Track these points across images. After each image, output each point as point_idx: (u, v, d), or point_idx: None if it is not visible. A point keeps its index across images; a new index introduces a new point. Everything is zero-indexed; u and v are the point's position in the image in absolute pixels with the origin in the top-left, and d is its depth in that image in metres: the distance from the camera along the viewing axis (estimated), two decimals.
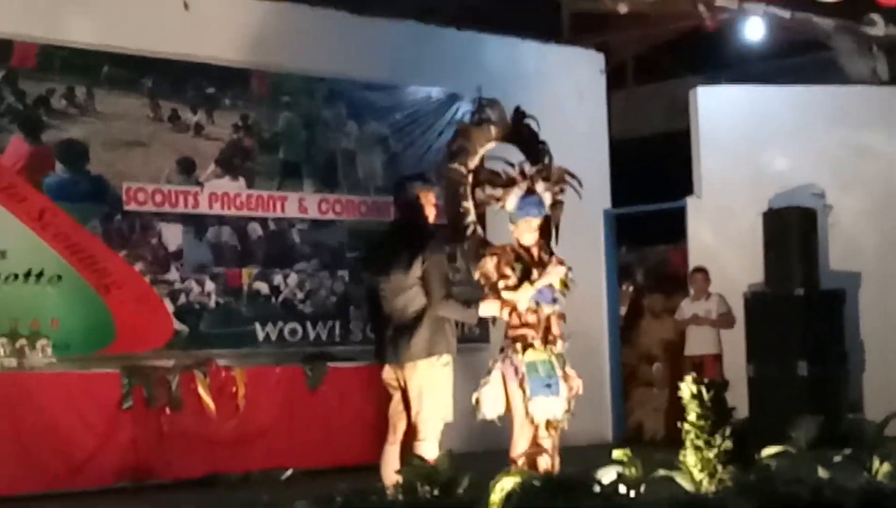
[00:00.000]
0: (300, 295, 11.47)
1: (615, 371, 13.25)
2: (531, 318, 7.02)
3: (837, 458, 6.38)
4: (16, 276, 9.97)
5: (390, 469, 6.71)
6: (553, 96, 12.87)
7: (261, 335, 11.22)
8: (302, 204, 11.56)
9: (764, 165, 12.06)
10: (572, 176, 7.44)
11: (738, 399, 11.27)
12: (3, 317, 9.72)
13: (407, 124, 12.23)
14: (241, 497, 4.75)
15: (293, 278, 11.42)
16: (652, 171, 13.02)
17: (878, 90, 12.47)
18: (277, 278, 11.37)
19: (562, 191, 7.40)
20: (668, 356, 12.84)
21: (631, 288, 14.18)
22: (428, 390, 6.96)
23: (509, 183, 7.19)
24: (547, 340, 7.04)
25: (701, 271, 12.02)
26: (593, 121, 13.27)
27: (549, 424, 6.94)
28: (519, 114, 7.58)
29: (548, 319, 7.07)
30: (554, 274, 7.09)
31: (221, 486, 9.70)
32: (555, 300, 7.12)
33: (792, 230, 11.37)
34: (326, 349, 11.39)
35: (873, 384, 11.56)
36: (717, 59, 13.70)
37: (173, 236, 10.84)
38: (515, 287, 7.04)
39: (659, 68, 14.47)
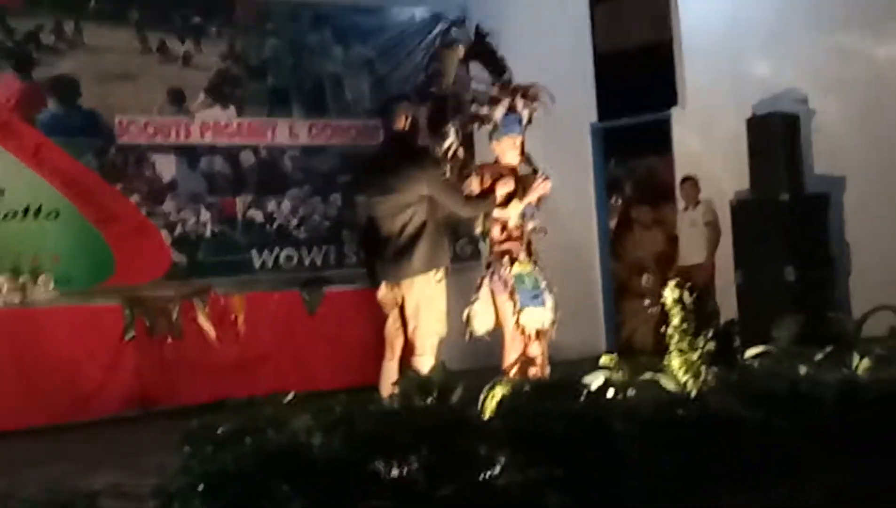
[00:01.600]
0: (294, 221, 11.67)
1: (606, 284, 13.42)
2: (516, 232, 7.20)
3: (819, 356, 6.61)
4: (14, 213, 10.17)
5: (388, 384, 6.93)
6: (536, 12, 12.96)
7: (257, 263, 11.44)
8: (292, 130, 11.73)
9: (747, 72, 12.10)
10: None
11: (728, 306, 11.55)
12: (4, 254, 9.92)
13: (392, 46, 12.35)
14: (247, 417, 4.91)
15: (286, 205, 11.62)
16: (637, 82, 13.06)
17: None
18: (271, 205, 11.57)
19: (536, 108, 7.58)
20: (659, 266, 13.00)
21: (620, 201, 14.32)
22: (425, 305, 7.16)
23: (493, 101, 7.34)
24: (529, 252, 7.22)
25: (689, 179, 12.12)
26: (577, 34, 13.30)
27: (538, 333, 7.14)
28: (479, 32, 7.79)
29: (528, 233, 7.26)
30: (539, 189, 7.26)
31: (227, 410, 9.89)
32: (533, 216, 7.29)
33: (775, 136, 11.44)
34: (322, 273, 11.60)
35: (859, 285, 11.69)
36: None
37: (167, 167, 11.02)
38: (504, 204, 7.23)
39: None
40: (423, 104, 7.49)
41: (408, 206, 7.11)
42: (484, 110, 7.37)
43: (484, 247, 8.26)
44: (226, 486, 4.00)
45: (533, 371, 7.17)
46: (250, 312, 10.55)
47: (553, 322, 7.31)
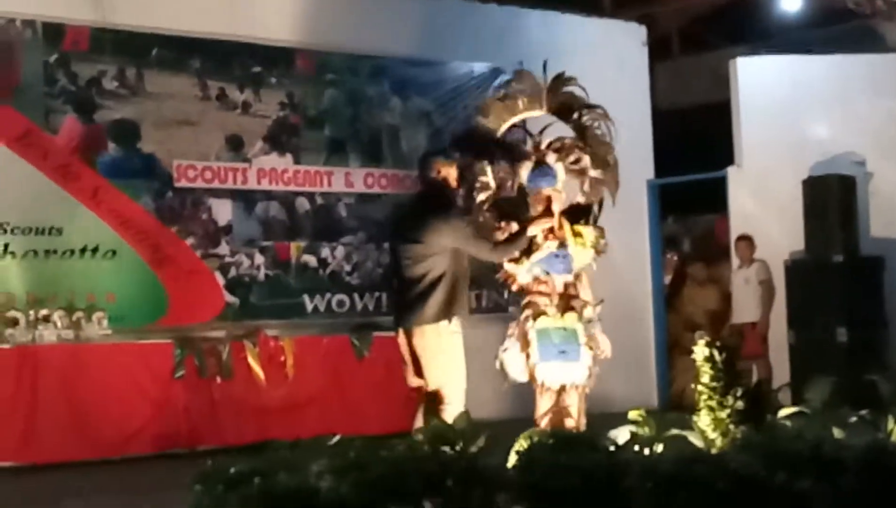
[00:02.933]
0: (347, 267, 11.79)
1: (660, 339, 13.42)
2: (542, 287, 7.22)
3: (853, 419, 6.57)
4: (72, 252, 10.35)
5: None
6: (594, 69, 12.94)
7: (309, 307, 11.55)
8: (348, 179, 11.87)
9: (804, 133, 12.12)
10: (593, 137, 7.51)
11: (780, 366, 11.50)
12: (60, 291, 10.13)
13: (450, 99, 12.47)
14: (262, 459, 4.99)
15: (340, 251, 11.73)
16: (695, 141, 13.13)
17: None
18: (325, 251, 11.69)
19: (590, 164, 7.51)
20: (712, 323, 12.96)
21: (675, 257, 14.33)
22: (432, 354, 7.28)
23: (520, 158, 7.39)
24: (568, 306, 7.20)
25: (745, 238, 12.12)
26: (635, 93, 13.40)
27: (564, 388, 7.14)
28: (559, 80, 7.60)
29: (568, 286, 7.25)
30: (545, 247, 7.24)
31: (270, 451, 9.99)
32: (567, 272, 7.25)
33: (832, 197, 11.46)
34: (373, 319, 11.68)
35: None
36: (758, 29, 13.78)
37: (223, 211, 11.19)
38: (517, 261, 7.28)
39: (701, 40, 14.58)
40: (459, 157, 7.56)
41: (429, 256, 7.25)
42: (504, 169, 7.40)
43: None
44: None
45: (568, 424, 7.17)
46: (300, 355, 10.66)
47: (589, 376, 7.25)
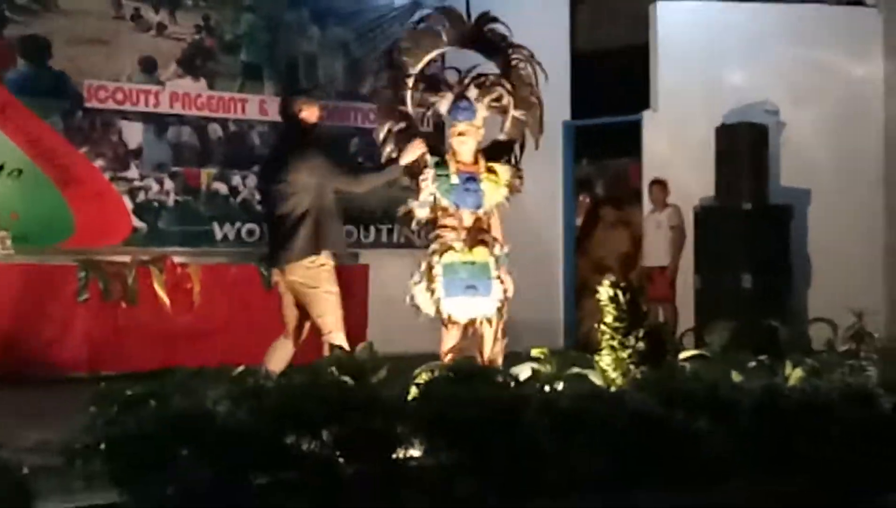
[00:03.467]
0: (258, 196, 11.66)
1: (568, 280, 13.48)
2: (450, 221, 7.18)
3: (752, 364, 6.68)
4: None
5: (275, 358, 7.53)
6: (515, 6, 12.92)
7: (219, 235, 11.46)
8: (262, 106, 11.73)
9: (720, 80, 12.16)
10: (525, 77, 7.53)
11: (686, 310, 11.63)
12: None
13: (369, 30, 12.37)
14: (175, 383, 4.94)
15: (251, 180, 11.60)
16: (613, 84, 13.11)
17: (834, 9, 12.53)
18: (236, 179, 11.58)
19: (512, 102, 7.46)
20: (622, 266, 13.05)
21: (588, 199, 14.36)
22: (306, 288, 7.45)
23: (440, 90, 7.34)
24: (477, 241, 7.14)
25: (659, 183, 12.16)
26: (555, 32, 13.33)
27: (473, 323, 7.12)
28: (484, 18, 7.62)
29: (478, 220, 7.20)
30: (454, 178, 7.17)
31: (173, 377, 9.92)
32: (477, 206, 7.21)
33: (743, 145, 11.53)
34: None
35: (819, 298, 11.78)
36: None
37: (134, 134, 11.04)
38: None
39: None
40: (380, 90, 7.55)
41: (292, 194, 7.36)
42: (430, 99, 7.36)
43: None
44: (125, 447, 4.03)
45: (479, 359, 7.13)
46: (207, 283, 10.56)
47: (499, 310, 7.18)
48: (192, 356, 10.18)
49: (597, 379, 6.16)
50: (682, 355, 6.77)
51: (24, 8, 10.51)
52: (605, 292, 6.41)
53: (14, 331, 9.63)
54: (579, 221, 14.01)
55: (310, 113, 7.59)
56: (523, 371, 6.10)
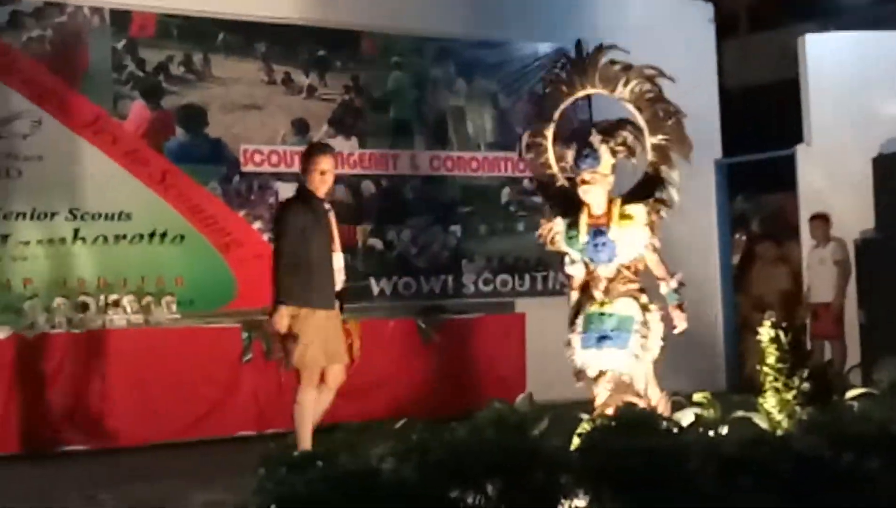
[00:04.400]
0: (413, 250, 11.80)
1: (728, 320, 13.29)
2: (591, 276, 7.02)
3: None
4: (141, 236, 10.47)
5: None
6: (661, 47, 12.86)
7: (376, 290, 11.59)
8: (413, 161, 11.88)
9: (873, 110, 11.95)
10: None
11: (852, 346, 11.38)
12: (130, 275, 10.25)
13: (515, 80, 12.43)
14: (340, 441, 5.02)
15: (406, 234, 11.75)
16: (763, 120, 13.01)
17: None
18: (391, 234, 11.71)
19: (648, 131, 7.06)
20: (782, 304, 12.82)
21: (744, 237, 14.19)
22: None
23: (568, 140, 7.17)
24: (622, 292, 6.98)
25: (820, 217, 11.87)
26: (702, 71, 13.26)
27: (601, 375, 6.91)
28: (598, 53, 7.23)
29: (620, 271, 6.96)
30: (581, 237, 6.97)
31: (338, 435, 10.05)
32: (610, 259, 6.94)
33: None
34: (440, 301, 11.71)
35: None
36: (827, 5, 13.61)
37: (289, 194, 11.20)
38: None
39: (769, 17, 14.43)
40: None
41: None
42: (552, 156, 7.21)
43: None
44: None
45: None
46: (366, 338, 10.68)
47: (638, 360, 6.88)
48: (354, 411, 10.38)
49: (762, 422, 6.06)
50: (850, 393, 6.61)
51: (180, 78, 10.84)
52: (765, 332, 6.31)
53: (183, 393, 9.88)
54: (736, 259, 13.84)
55: (315, 168, 7.97)
56: (686, 417, 6.03)
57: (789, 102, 12.36)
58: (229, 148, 11.00)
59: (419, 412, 10.50)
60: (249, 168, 11.07)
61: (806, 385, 6.12)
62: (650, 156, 7.12)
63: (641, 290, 7.03)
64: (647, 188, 7.14)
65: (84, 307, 10.01)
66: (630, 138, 6.96)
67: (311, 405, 7.86)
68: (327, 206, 8.09)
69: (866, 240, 11.52)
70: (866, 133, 11.80)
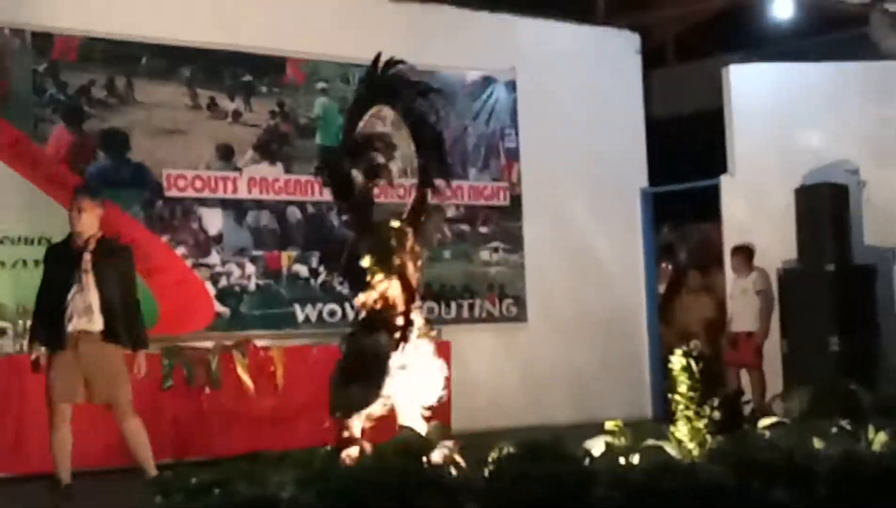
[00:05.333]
0: (339, 277, 11.73)
1: (653, 348, 13.35)
2: None
3: (833, 429, 6.54)
4: None
5: None
6: (588, 77, 13.03)
7: (301, 317, 11.52)
8: None
9: (797, 142, 12.09)
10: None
11: (774, 375, 11.47)
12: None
13: (440, 107, 12.41)
14: (239, 469, 4.96)
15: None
16: (690, 149, 13.09)
17: None
18: (316, 261, 11.65)
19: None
20: (708, 333, 12.91)
21: (669, 266, 14.29)
22: None
23: None
24: None
25: (743, 247, 11.96)
26: (629, 100, 13.39)
27: None
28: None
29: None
30: None
31: (261, 463, 9.96)
32: None
33: (824, 207, 11.46)
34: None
35: None
36: (752, 37, 13.74)
37: (213, 220, 11.17)
38: None
39: (695, 47, 14.57)
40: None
41: None
42: None
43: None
44: None
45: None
46: (289, 365, 10.63)
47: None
48: (276, 439, 10.27)
49: (672, 451, 6.07)
50: (762, 422, 6.66)
51: (101, 102, 10.73)
52: (677, 360, 6.33)
53: (98, 420, 9.72)
54: (662, 288, 13.93)
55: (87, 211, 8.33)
56: (597, 445, 6.04)
57: (714, 132, 12.46)
58: (152, 173, 10.90)
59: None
60: (173, 193, 10.97)
61: (717, 414, 6.14)
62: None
63: None
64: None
65: (2, 333, 9.87)
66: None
67: None
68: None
69: (788, 270, 11.64)
70: (789, 164, 11.95)
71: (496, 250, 12.62)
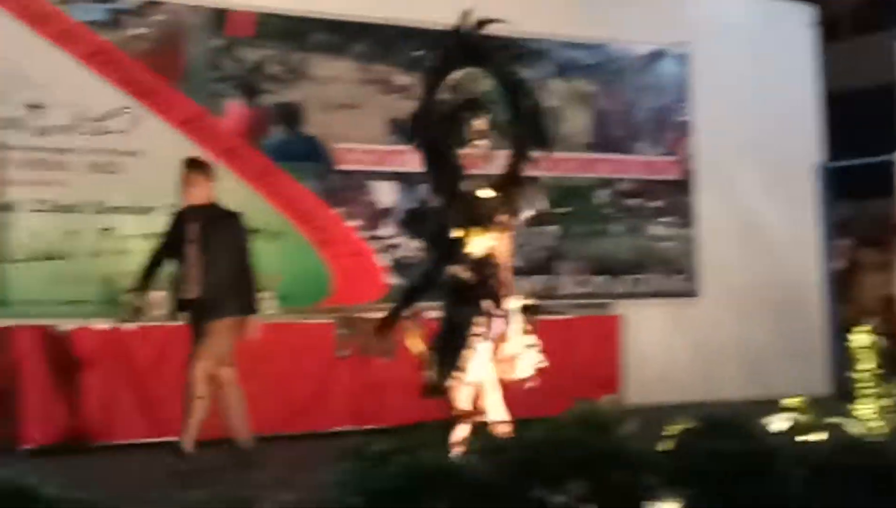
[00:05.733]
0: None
1: (832, 326, 13.04)
2: None
3: None
4: None
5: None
6: (761, 50, 12.78)
7: None
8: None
9: None
10: None
11: None
12: None
13: (612, 81, 12.35)
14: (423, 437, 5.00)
15: None
16: (867, 124, 12.77)
17: None
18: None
19: None
20: (884, 311, 12.58)
21: (847, 243, 13.96)
22: None
23: None
24: None
25: None
26: (802, 74, 13.12)
27: None
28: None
29: None
30: None
31: (429, 429, 10.03)
32: None
33: None
34: (537, 302, 11.64)
35: None
36: None
37: (385, 193, 11.29)
38: None
39: (872, 21, 14.19)
40: None
41: None
42: None
43: None
44: (379, 503, 4.12)
45: None
46: None
47: None
48: (448, 406, 10.38)
49: (856, 429, 5.95)
50: None
51: (276, 77, 10.93)
52: (858, 339, 6.19)
53: (278, 387, 9.94)
54: (839, 265, 13.61)
55: (188, 182, 8.44)
56: (779, 422, 5.94)
57: (890, 106, 12.13)
58: (325, 146, 11.06)
59: (513, 413, 10.56)
60: (345, 166, 11.11)
61: None
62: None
63: None
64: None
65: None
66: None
67: None
68: None
69: None
70: None
71: (667, 224, 12.50)
